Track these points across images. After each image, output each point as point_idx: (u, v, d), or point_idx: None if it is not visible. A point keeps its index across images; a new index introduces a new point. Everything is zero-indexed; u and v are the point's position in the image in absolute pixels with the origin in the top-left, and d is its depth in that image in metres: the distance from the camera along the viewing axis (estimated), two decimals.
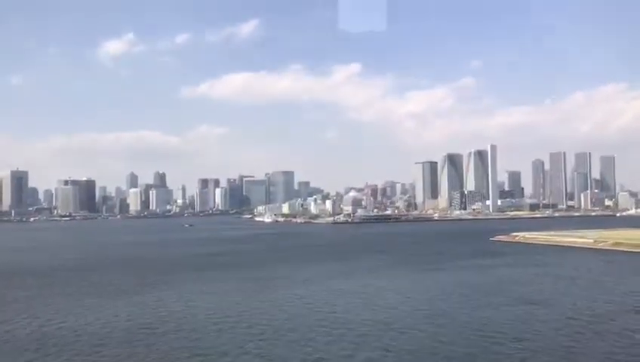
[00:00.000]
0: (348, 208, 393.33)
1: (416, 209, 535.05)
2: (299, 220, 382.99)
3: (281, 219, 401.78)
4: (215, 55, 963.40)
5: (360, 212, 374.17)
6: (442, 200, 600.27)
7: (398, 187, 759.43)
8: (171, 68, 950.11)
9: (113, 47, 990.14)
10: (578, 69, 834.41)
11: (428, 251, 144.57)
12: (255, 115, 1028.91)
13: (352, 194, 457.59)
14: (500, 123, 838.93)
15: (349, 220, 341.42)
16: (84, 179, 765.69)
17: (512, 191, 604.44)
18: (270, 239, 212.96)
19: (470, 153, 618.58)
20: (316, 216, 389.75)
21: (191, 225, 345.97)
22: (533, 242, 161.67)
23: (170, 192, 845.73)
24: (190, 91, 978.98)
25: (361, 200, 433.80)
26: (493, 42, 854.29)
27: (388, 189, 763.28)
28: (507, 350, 44.48)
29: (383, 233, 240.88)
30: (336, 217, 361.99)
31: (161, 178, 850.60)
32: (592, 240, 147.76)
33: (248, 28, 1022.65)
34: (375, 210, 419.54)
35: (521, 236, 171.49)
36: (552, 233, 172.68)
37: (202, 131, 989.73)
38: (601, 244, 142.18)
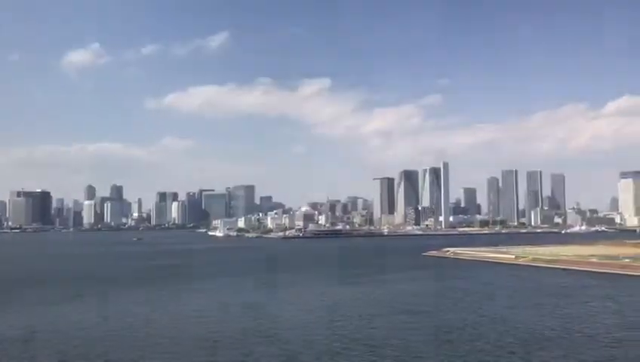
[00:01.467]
0: (300, 223, 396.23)
1: (372, 224, 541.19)
2: (251, 235, 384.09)
3: (233, 234, 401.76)
4: (182, 67, 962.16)
5: (311, 227, 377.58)
6: (398, 216, 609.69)
7: (360, 202, 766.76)
8: (137, 79, 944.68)
9: (78, 57, 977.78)
10: (540, 88, 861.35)
11: (357, 266, 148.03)
12: (221, 129, 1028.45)
13: (304, 209, 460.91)
14: (464, 140, 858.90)
15: (300, 235, 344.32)
16: (39, 190, 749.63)
17: (466, 208, 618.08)
18: (204, 254, 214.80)
19: (425, 170, 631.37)
20: (269, 231, 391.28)
21: (139, 239, 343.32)
22: (461, 257, 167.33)
23: (127, 205, 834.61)
24: (155, 103, 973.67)
25: (312, 215, 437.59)
26: (460, 61, 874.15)
27: (349, 205, 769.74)
28: (354, 353, 47.73)
29: (326, 248, 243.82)
30: (287, 232, 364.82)
31: (117, 191, 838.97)
32: (513, 256, 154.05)
33: (217, 41, 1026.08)
34: (327, 225, 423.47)
35: (451, 251, 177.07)
36: (482, 249, 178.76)
37: (166, 144, 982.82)
38: (521, 260, 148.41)
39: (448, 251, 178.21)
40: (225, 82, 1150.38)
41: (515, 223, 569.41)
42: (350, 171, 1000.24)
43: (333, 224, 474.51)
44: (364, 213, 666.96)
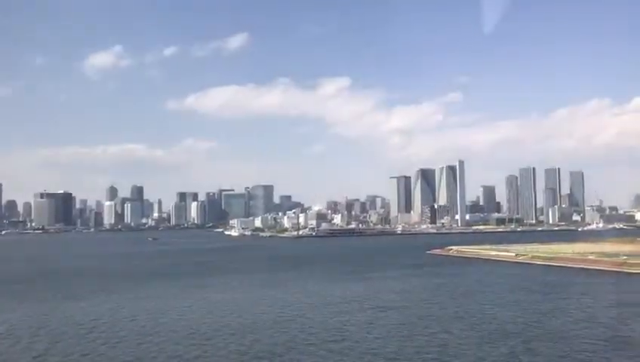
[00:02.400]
0: (313, 222, 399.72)
1: (388, 223, 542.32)
2: (265, 234, 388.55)
3: (248, 233, 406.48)
4: (202, 68, 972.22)
5: (324, 226, 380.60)
6: (415, 215, 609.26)
7: (379, 201, 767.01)
8: (158, 81, 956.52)
9: (100, 59, 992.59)
10: (564, 84, 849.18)
11: (356, 263, 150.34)
12: (242, 129, 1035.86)
13: (317, 208, 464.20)
14: (486, 138, 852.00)
15: (313, 234, 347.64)
16: (61, 192, 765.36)
17: (482, 206, 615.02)
18: (215, 252, 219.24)
19: (442, 168, 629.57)
20: (283, 230, 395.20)
21: (155, 239, 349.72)
22: (464, 255, 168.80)
23: (148, 206, 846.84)
24: (177, 104, 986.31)
25: (326, 214, 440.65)
26: (481, 57, 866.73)
27: (368, 203, 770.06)
28: (320, 349, 50.64)
29: (335, 246, 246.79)
30: (301, 231, 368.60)
31: (138, 191, 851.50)
32: (514, 254, 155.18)
33: (236, 42, 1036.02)
34: (341, 225, 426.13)
35: (455, 249, 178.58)
36: (485, 247, 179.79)
37: (188, 145, 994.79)
38: (521, 258, 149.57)
39: (452, 249, 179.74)
40: (245, 82, 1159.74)
41: (534, 221, 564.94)
42: (369, 170, 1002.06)
43: (348, 223, 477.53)
44: (381, 211, 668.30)
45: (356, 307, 73.65)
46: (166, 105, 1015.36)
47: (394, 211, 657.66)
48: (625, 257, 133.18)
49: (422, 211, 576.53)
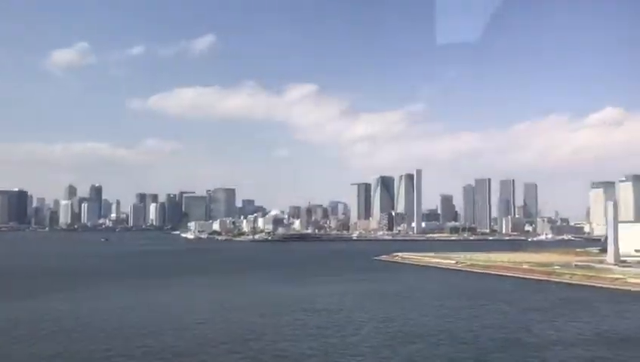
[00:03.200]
0: (269, 226, 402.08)
1: (347, 229, 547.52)
2: (221, 237, 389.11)
3: (204, 236, 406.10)
4: (168, 69, 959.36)
5: (280, 230, 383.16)
6: (373, 221, 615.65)
7: (341, 207, 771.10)
8: (123, 80, 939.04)
9: (65, 56, 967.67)
10: (525, 99, 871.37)
11: (299, 268, 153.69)
12: (206, 131, 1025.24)
13: (273, 213, 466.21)
14: (448, 147, 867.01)
15: (269, 238, 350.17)
16: (16, 189, 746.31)
17: (440, 215, 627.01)
18: (163, 255, 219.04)
19: (401, 176, 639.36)
20: (240, 234, 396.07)
21: (106, 240, 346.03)
22: (407, 262, 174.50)
23: (107, 206, 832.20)
24: (141, 104, 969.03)
25: (282, 219, 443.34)
26: (445, 69, 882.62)
27: (330, 209, 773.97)
28: (209, 346, 53.80)
29: (286, 251, 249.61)
30: (257, 235, 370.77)
31: (96, 191, 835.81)
32: (454, 262, 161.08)
33: (202, 43, 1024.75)
34: (296, 229, 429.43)
35: (400, 256, 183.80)
36: (429, 254, 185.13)
37: (151, 145, 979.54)
38: (460, 265, 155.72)
39: (397, 256, 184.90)
40: (210, 84, 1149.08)
41: (488, 230, 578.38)
42: (334, 176, 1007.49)
43: (307, 228, 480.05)
44: (341, 217, 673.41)
45: (285, 309, 76.99)
46: (130, 105, 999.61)
47: (354, 217, 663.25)
48: (557, 267, 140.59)
49: (380, 218, 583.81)
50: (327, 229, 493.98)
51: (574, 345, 58.49)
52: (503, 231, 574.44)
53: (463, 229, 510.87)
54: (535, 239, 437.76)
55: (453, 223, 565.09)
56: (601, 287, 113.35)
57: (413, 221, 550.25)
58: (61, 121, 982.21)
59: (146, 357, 50.36)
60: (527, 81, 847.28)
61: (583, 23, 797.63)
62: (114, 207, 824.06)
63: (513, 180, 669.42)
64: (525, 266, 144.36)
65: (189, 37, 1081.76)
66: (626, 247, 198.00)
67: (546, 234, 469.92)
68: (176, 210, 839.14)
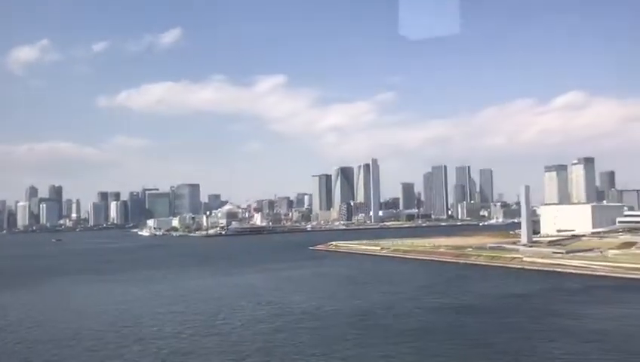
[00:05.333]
0: (223, 221, 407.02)
1: (309, 220, 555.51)
2: (176, 233, 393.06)
3: (159, 233, 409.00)
4: (134, 64, 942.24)
5: (234, 224, 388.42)
6: (334, 212, 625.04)
7: (306, 199, 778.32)
8: (88, 77, 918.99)
9: (25, 53, 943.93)
10: (491, 84, 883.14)
11: (243, 260, 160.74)
12: (175, 126, 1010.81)
13: (227, 207, 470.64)
14: (418, 135, 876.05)
15: (223, 233, 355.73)
16: None
17: (395, 203, 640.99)
18: (110, 253, 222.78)
19: (360, 166, 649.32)
20: (195, 230, 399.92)
21: (59, 240, 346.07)
22: (339, 250, 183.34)
23: (68, 206, 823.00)
24: (108, 101, 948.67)
25: (236, 213, 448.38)
26: (412, 58, 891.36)
27: (295, 201, 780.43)
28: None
29: (239, 244, 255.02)
30: (211, 230, 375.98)
31: (57, 191, 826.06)
32: (379, 248, 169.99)
33: (169, 37, 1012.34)
34: (253, 223, 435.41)
35: (334, 245, 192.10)
36: (361, 242, 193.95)
37: (119, 142, 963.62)
38: (384, 251, 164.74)
39: (331, 245, 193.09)
40: (178, 79, 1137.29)
41: (444, 216, 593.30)
42: (305, 168, 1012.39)
43: (268, 221, 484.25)
44: (306, 209, 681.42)
45: (177, 299, 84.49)
46: (96, 102, 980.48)
47: (316, 209, 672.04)
48: (469, 249, 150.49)
49: (340, 208, 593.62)
50: (285, 222, 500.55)
51: (413, 315, 67.52)
52: (459, 216, 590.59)
53: (418, 216, 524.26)
54: (486, 223, 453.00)
55: (408, 211, 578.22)
56: (498, 266, 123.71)
57: (371, 210, 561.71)
58: (25, 121, 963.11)
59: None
60: (495, 66, 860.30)
61: (548, 10, 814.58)
62: (75, 206, 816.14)
63: (469, 166, 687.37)
64: (442, 250, 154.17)
65: (155, 31, 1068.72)
66: (549, 228, 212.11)
67: (497, 219, 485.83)
68: (139, 208, 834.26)
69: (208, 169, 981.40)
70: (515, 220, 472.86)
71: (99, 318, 70.35)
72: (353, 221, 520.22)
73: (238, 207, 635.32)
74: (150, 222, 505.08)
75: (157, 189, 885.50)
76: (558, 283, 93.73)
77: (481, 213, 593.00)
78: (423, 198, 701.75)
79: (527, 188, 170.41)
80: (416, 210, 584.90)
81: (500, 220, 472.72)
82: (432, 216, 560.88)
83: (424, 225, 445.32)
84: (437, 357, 50.01)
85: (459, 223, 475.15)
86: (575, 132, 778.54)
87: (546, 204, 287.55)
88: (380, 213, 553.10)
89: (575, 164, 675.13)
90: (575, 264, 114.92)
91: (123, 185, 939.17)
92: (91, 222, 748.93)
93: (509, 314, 68.28)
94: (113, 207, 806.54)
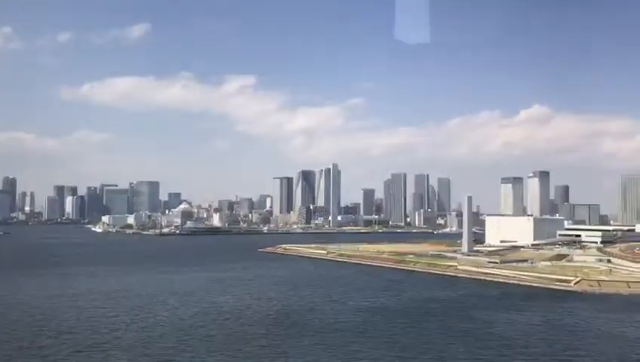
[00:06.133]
0: (178, 220, 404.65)
1: (269, 223, 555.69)
2: (130, 231, 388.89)
3: (112, 230, 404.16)
4: (100, 57, 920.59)
5: (189, 224, 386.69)
6: (294, 215, 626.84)
7: (269, 200, 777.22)
8: (51, 68, 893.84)
9: None
10: (459, 95, 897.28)
11: (188, 259, 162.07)
12: (140, 122, 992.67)
13: (182, 206, 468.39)
14: (386, 142, 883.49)
15: (177, 232, 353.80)
16: None
17: (356, 208, 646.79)
18: (58, 247, 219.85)
19: (321, 171, 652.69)
20: (149, 228, 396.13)
21: (6, 233, 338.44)
22: (288, 253, 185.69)
23: (22, 198, 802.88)
24: (71, 93, 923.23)
25: (191, 212, 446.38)
26: (383, 65, 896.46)
27: (258, 203, 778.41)
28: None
29: (192, 244, 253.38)
30: (165, 229, 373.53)
31: (10, 183, 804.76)
32: (325, 252, 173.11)
33: (137, 32, 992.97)
34: (207, 223, 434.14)
35: (282, 247, 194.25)
36: (310, 246, 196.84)
37: (81, 136, 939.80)
38: (330, 255, 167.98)
39: (280, 247, 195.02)
40: (145, 74, 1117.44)
41: (402, 223, 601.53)
42: (270, 169, 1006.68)
43: (227, 222, 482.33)
44: (268, 211, 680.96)
45: (122, 295, 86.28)
46: (59, 94, 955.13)
47: (276, 211, 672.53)
48: (411, 256, 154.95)
49: (299, 212, 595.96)
50: (243, 223, 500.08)
51: (331, 315, 70.72)
52: (416, 224, 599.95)
53: (376, 222, 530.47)
54: (441, 232, 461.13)
55: (366, 216, 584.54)
56: (434, 273, 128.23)
57: (330, 215, 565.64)
58: None
59: None
60: (463, 77, 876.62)
61: (514, 24, 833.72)
62: (29, 200, 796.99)
63: (427, 175, 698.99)
64: (385, 256, 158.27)
65: (122, 25, 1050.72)
66: (493, 239, 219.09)
67: (451, 227, 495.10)
68: (96, 204, 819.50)
69: (171, 167, 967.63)
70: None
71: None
72: (311, 225, 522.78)
73: (199, 206, 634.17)
74: (105, 219, 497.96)
75: (116, 185, 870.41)
76: (481, 291, 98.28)
77: (438, 222, 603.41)
78: (383, 205, 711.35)
79: (470, 198, 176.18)
80: (376, 216, 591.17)
81: (454, 229, 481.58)
82: (390, 223, 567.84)
83: (380, 231, 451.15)
84: (333, 349, 53.19)
85: (414, 231, 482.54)
86: (537, 145, 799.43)
87: (490, 215, 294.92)
88: (339, 217, 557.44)
89: (531, 177, 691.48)
90: (505, 273, 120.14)
91: (82, 180, 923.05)
92: (45, 216, 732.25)
93: (423, 317, 72.19)
94: (69, 201, 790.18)
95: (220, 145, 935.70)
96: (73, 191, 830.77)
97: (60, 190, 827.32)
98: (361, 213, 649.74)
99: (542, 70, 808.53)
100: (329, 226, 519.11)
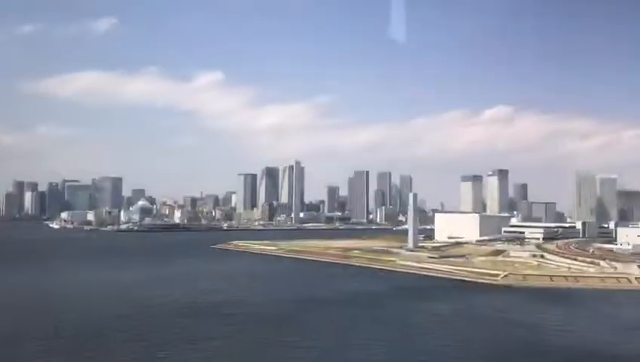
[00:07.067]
0: (136, 216, 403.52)
1: (232, 219, 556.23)
2: (88, 227, 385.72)
3: (70, 226, 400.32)
4: (63, 50, 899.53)
5: (147, 220, 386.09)
6: (258, 211, 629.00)
7: (234, 197, 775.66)
8: (12, 60, 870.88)
9: None
10: (426, 94, 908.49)
11: (139, 256, 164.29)
12: (105, 117, 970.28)
13: (141, 203, 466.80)
14: (353, 140, 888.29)
15: (135, 228, 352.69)
16: None
17: (320, 205, 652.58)
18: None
19: (285, 168, 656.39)
20: (108, 224, 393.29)
21: None
22: (239, 249, 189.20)
23: None
24: (33, 87, 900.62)
25: (150, 209, 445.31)
26: (352, 63, 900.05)
27: (223, 200, 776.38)
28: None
29: (149, 241, 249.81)
30: (123, 225, 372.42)
31: None
32: (276, 248, 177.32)
33: (103, 25, 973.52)
34: (166, 220, 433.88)
35: (234, 244, 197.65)
36: (262, 242, 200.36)
37: (43, 131, 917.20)
38: (280, 251, 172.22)
39: (232, 244, 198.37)
40: (110, 69, 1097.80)
41: (365, 220, 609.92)
42: (237, 166, 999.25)
43: (189, 219, 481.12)
44: (227, 208, 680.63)
45: (57, 291, 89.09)
46: (20, 88, 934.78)
47: (240, 208, 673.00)
48: (356, 252, 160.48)
49: (262, 208, 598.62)
50: (203, 220, 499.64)
51: (257, 306, 75.41)
52: (378, 220, 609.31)
53: (337, 219, 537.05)
54: (400, 228, 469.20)
55: (329, 214, 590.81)
56: (375, 268, 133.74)
57: (292, 212, 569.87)
58: None
59: None
60: (430, 76, 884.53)
61: (481, 26, 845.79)
62: None
63: (389, 173, 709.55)
64: (331, 251, 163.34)
65: (88, 18, 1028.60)
66: (441, 235, 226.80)
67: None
68: (57, 200, 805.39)
69: (136, 163, 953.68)
70: (428, 226, 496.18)
71: None
72: (273, 221, 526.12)
73: (164, 203, 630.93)
74: (64, 215, 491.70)
75: (78, 181, 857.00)
76: (411, 284, 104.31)
77: (399, 218, 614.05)
78: (347, 202, 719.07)
79: (415, 196, 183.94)
80: (338, 213, 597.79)
81: None
82: (353, 220, 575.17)
83: (342, 227, 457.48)
84: (242, 334, 57.80)
85: (374, 227, 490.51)
86: (500, 145, 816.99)
87: (440, 211, 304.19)
88: (301, 214, 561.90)
89: (490, 175, 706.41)
90: (440, 268, 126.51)
91: (44, 176, 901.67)
92: (3, 213, 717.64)
93: (344, 306, 77.40)
94: (28, 197, 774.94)
95: (187, 141, 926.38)
96: (33, 186, 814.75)
97: (20, 186, 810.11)
98: (325, 210, 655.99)
99: (507, 70, 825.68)
100: (291, 223, 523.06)
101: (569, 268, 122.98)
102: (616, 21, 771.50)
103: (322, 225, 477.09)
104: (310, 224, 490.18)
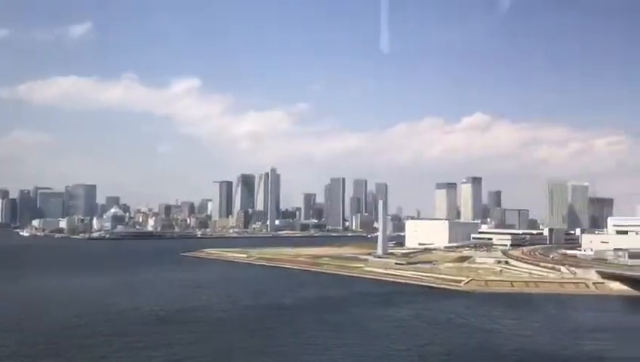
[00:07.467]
0: (108, 224, 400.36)
1: (207, 227, 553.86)
2: (60, 235, 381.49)
3: (41, 234, 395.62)
4: (38, 56, 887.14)
5: (119, 228, 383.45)
6: (233, 219, 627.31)
7: (210, 205, 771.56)
8: None
9: None
10: (404, 101, 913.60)
11: (108, 264, 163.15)
12: (80, 123, 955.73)
13: (113, 210, 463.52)
14: (332, 147, 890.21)
15: (107, 236, 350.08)
16: None
17: (294, 212, 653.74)
18: None
19: (261, 175, 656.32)
20: (80, 232, 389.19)
21: None
22: (210, 257, 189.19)
23: None
24: (7, 92, 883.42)
25: (123, 216, 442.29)
26: (329, 69, 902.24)
27: (199, 207, 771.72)
28: None
29: (121, 248, 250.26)
30: (95, 233, 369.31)
31: None
32: (246, 256, 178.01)
33: (78, 31, 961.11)
34: (139, 228, 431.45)
35: (206, 252, 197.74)
36: (233, 250, 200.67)
37: (17, 137, 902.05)
38: (251, 259, 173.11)
39: (203, 251, 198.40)
40: (86, 74, 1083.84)
41: (340, 227, 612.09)
42: (214, 173, 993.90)
43: (163, 226, 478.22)
44: (202, 216, 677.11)
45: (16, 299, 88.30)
46: None
47: (215, 215, 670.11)
48: (326, 259, 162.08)
49: (237, 216, 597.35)
50: (177, 227, 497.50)
51: (219, 312, 76.38)
52: (354, 228, 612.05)
53: (313, 226, 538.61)
54: (374, 235, 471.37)
55: (305, 221, 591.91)
56: (342, 274, 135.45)
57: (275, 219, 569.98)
58: None
59: None
60: (409, 84, 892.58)
61: (460, 34, 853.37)
62: None
63: (365, 180, 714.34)
64: (301, 258, 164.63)
65: (63, 23, 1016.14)
66: (412, 241, 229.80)
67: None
68: (29, 207, 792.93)
69: (111, 170, 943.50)
70: (402, 233, 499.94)
71: None
72: (248, 229, 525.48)
73: (138, 210, 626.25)
74: (35, 223, 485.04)
75: (50, 188, 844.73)
76: (374, 290, 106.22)
77: (375, 226, 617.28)
78: (324, 209, 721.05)
79: (384, 203, 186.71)
80: (314, 221, 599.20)
81: (388, 232, 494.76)
82: (329, 227, 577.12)
83: (317, 235, 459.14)
84: (204, 341, 58.61)
85: (349, 234, 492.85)
86: (476, 152, 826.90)
87: (413, 218, 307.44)
88: (277, 222, 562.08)
89: (464, 182, 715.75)
90: (406, 274, 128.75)
91: (15, 183, 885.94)
92: None
93: (301, 311, 78.98)
94: None
95: (164, 147, 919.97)
96: (4, 194, 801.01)
97: None
98: (302, 217, 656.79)
99: (485, 78, 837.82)
100: (266, 230, 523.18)
101: (530, 273, 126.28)
102: (590, 31, 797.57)
103: (297, 233, 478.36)
104: (285, 231, 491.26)
